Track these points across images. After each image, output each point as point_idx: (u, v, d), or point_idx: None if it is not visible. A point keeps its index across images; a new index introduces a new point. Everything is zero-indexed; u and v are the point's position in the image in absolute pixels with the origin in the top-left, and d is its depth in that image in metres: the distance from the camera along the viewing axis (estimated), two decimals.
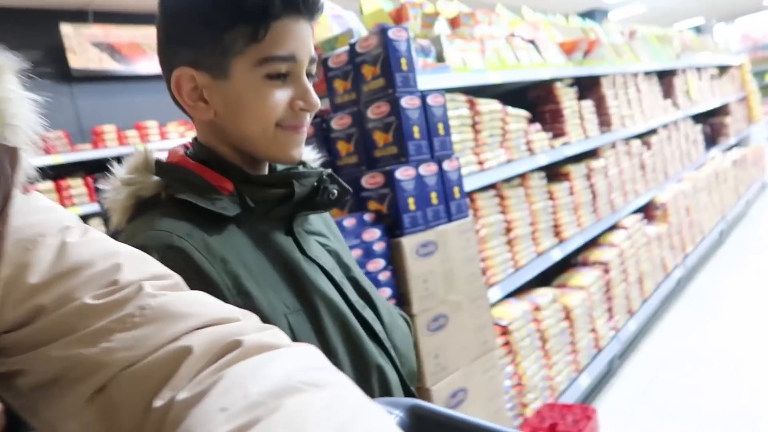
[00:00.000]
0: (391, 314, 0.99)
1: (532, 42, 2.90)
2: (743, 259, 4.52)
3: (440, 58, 2.23)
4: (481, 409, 1.62)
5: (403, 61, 1.51)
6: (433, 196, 1.54)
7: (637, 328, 3.26)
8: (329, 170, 0.91)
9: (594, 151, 3.18)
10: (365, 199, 1.53)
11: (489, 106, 2.36)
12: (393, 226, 1.49)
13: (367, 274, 1.43)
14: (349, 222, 1.44)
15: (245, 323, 0.52)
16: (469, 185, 2.17)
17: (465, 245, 1.61)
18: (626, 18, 12.09)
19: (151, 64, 5.95)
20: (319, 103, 0.83)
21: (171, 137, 5.99)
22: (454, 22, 2.66)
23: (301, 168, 0.90)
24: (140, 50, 5.94)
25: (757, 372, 2.70)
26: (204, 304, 0.52)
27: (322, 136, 1.68)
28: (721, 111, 5.72)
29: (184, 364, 0.45)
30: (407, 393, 0.96)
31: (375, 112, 1.52)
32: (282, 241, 0.85)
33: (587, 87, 3.22)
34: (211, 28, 0.77)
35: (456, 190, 1.61)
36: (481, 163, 2.28)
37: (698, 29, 14.87)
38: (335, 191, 0.89)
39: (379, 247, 1.45)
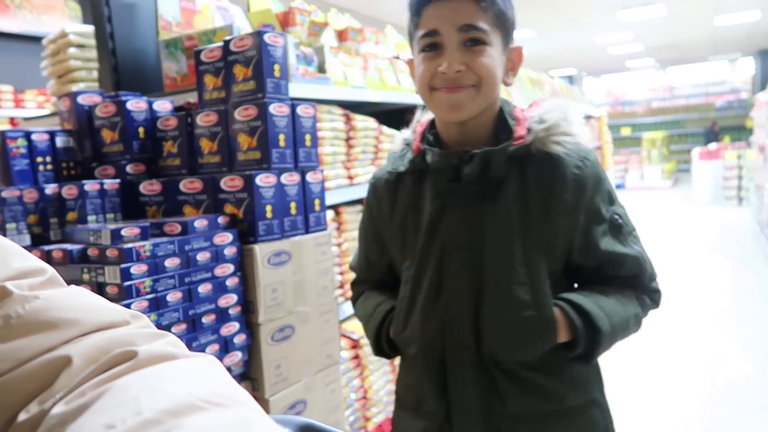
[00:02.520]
0: (512, 296, 1.03)
1: None
2: None
3: (322, 69, 2.24)
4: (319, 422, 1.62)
5: (277, 67, 1.50)
6: (293, 206, 1.53)
7: None
8: (485, 149, 1.04)
9: None
10: (222, 202, 1.49)
11: (365, 123, 2.40)
12: (247, 232, 1.46)
13: (214, 278, 1.38)
14: (201, 223, 1.39)
15: (136, 328, 0.45)
16: (336, 198, 2.19)
17: (320, 258, 1.62)
18: None
19: (9, 22, 5.38)
20: (451, 66, 0.99)
21: (28, 105, 5.43)
22: (341, 35, 2.69)
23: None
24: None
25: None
26: (85, 306, 0.44)
27: (185, 132, 1.61)
28: None
29: (61, 376, 0.39)
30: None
31: (242, 114, 1.49)
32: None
33: None
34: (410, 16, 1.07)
35: (317, 202, 1.62)
36: (351, 177, 2.31)
37: (570, 79, 16.28)
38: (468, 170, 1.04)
39: (229, 251, 1.41)
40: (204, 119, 1.57)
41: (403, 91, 2.69)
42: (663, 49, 13.89)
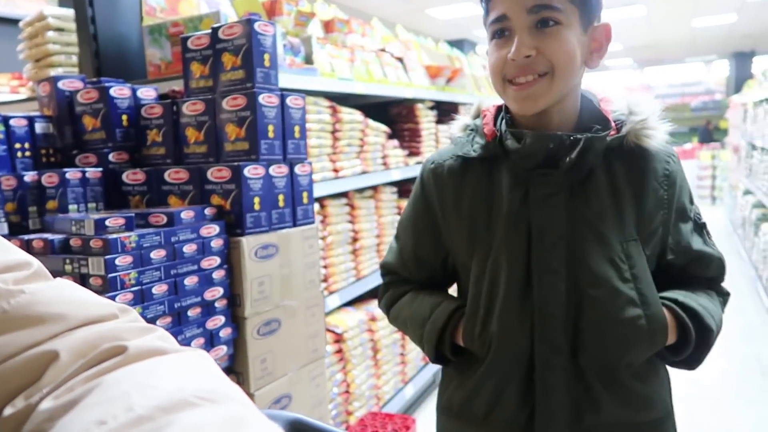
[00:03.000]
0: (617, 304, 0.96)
1: (400, 60, 2.99)
2: None
3: (309, 60, 2.21)
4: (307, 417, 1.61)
5: (267, 56, 1.47)
6: (281, 198, 1.51)
7: None
8: (574, 136, 0.96)
9: None
10: (209, 193, 1.46)
11: (351, 115, 2.38)
12: (234, 225, 1.43)
13: (201, 271, 1.36)
14: (188, 214, 1.36)
15: (124, 322, 0.44)
16: (321, 191, 2.17)
17: (307, 251, 1.60)
18: None
19: None
20: (519, 52, 0.92)
21: (1, 90, 5.28)
22: (328, 26, 2.66)
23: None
24: None
25: None
26: (73, 300, 0.43)
27: (171, 120, 1.57)
28: None
29: (48, 371, 0.38)
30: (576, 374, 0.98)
31: (230, 103, 1.46)
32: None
33: (446, 112, 3.38)
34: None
35: (305, 195, 1.59)
36: (336, 170, 2.29)
37: None
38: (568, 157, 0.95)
39: (216, 244, 1.39)
40: (190, 108, 1.53)
41: (390, 84, 2.67)
42: (641, 49, 14.06)
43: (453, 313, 1.07)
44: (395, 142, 2.79)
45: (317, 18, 2.60)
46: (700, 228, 1.06)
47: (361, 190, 2.57)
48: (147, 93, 1.68)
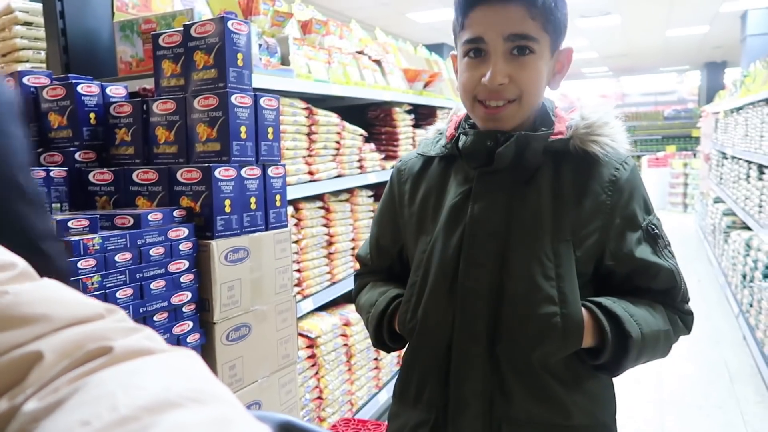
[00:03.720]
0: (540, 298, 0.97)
1: (378, 63, 2.98)
2: None
3: (285, 61, 2.18)
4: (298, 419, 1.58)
5: (240, 56, 1.44)
6: (252, 201, 1.48)
7: None
8: (520, 133, 0.99)
9: None
10: (178, 194, 1.42)
11: (328, 118, 2.36)
12: (204, 227, 1.40)
13: (168, 275, 1.32)
14: (155, 216, 1.32)
15: (111, 322, 0.43)
16: (296, 193, 2.14)
17: (279, 255, 1.57)
18: None
19: None
20: (494, 79, 0.95)
21: None
22: (305, 27, 2.63)
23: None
24: None
25: None
26: (58, 300, 0.42)
27: (140, 119, 1.53)
28: None
29: (32, 372, 0.37)
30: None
31: (202, 103, 1.43)
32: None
33: (424, 116, 3.38)
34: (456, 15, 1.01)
35: (278, 198, 1.57)
36: (311, 173, 2.26)
37: None
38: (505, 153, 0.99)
39: (185, 247, 1.35)
40: (161, 107, 1.49)
41: (367, 87, 2.65)
42: (616, 58, 14.29)
43: (394, 299, 1.13)
44: (372, 145, 2.78)
45: (295, 18, 2.57)
46: (653, 238, 1.04)
47: (336, 193, 2.55)
48: (116, 91, 1.63)
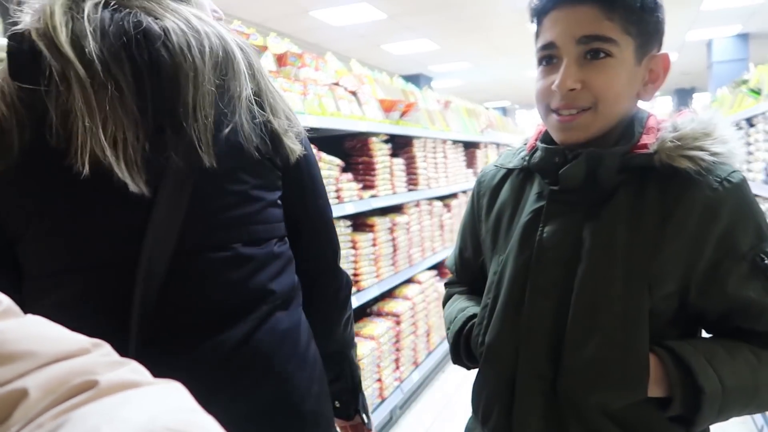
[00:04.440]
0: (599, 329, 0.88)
1: (354, 94, 3.00)
2: None
3: None
4: None
5: None
6: None
7: (421, 378, 3.43)
8: (589, 150, 0.90)
9: (400, 206, 3.34)
10: None
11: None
12: None
13: None
14: None
15: (97, 356, 0.43)
16: None
17: None
18: (445, 88, 13.27)
19: None
20: (564, 84, 0.88)
21: None
22: (280, 60, 2.65)
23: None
24: None
25: None
26: (43, 336, 0.43)
27: None
28: None
29: (17, 410, 0.37)
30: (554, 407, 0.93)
31: None
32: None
33: (400, 146, 3.41)
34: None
35: None
36: None
37: (503, 110, 16.83)
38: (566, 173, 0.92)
39: None
40: None
41: (343, 117, 2.67)
42: None
43: (470, 319, 1.08)
44: (349, 175, 2.78)
45: (270, 51, 2.59)
46: (761, 271, 0.86)
47: None
48: None
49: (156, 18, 0.81)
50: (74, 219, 0.82)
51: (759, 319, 0.86)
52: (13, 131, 0.80)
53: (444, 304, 1.25)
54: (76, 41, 0.77)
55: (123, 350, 0.53)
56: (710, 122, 0.89)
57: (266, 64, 2.46)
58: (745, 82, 4.15)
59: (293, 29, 8.02)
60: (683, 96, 14.75)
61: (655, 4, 0.89)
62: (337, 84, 2.93)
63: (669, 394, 0.86)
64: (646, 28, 0.89)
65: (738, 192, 0.86)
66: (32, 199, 0.82)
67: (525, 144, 1.10)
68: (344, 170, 2.75)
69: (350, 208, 2.66)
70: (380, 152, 3.02)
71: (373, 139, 2.99)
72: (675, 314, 0.91)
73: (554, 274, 0.93)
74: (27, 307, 0.48)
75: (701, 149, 0.86)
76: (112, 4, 0.81)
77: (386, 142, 3.12)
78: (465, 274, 1.22)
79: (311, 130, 2.28)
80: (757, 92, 3.53)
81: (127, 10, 0.80)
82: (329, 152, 2.61)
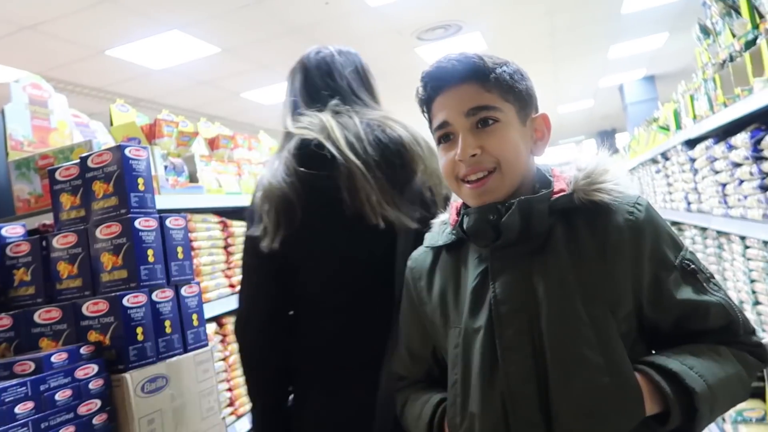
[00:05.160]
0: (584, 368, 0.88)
1: None
2: None
3: (193, 178, 2.19)
4: None
5: (141, 180, 1.44)
6: (167, 324, 1.42)
7: None
8: (517, 200, 0.96)
9: None
10: (85, 329, 1.35)
11: (243, 228, 2.34)
12: (116, 360, 1.32)
13: (77, 419, 1.22)
14: (59, 357, 1.24)
15: None
16: (219, 309, 2.08)
17: (202, 377, 1.49)
18: None
19: None
20: (465, 152, 0.97)
21: None
22: (212, 143, 2.67)
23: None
24: None
25: None
26: None
27: (40, 256, 1.47)
28: None
29: None
30: None
31: (105, 232, 1.39)
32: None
33: None
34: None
35: (194, 317, 1.52)
36: (233, 285, 2.22)
37: None
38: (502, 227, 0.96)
39: (95, 385, 1.26)
40: (61, 241, 1.45)
41: None
42: None
43: (438, 405, 1.05)
44: None
45: (201, 136, 2.61)
46: (691, 275, 0.95)
47: None
48: (13, 230, 1.57)
49: (389, 128, 1.37)
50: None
51: (707, 317, 0.94)
52: (296, 205, 1.31)
53: (400, 414, 1.18)
54: (352, 145, 1.31)
55: None
56: (604, 161, 1.02)
57: (198, 149, 2.48)
58: (656, 120, 4.46)
59: (226, 112, 8.12)
60: (606, 137, 15.60)
61: (522, 76, 1.03)
62: None
63: (664, 408, 0.88)
64: (520, 94, 1.02)
65: (650, 213, 0.97)
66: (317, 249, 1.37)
67: (445, 223, 1.14)
68: None
69: None
70: None
71: None
72: (637, 333, 0.97)
73: (519, 325, 0.94)
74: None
75: (607, 182, 0.98)
76: (364, 120, 1.37)
77: None
78: (417, 367, 1.18)
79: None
80: (666, 128, 3.80)
81: (376, 123, 1.37)
82: None
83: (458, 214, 1.09)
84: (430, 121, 1.06)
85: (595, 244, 0.95)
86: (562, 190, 0.98)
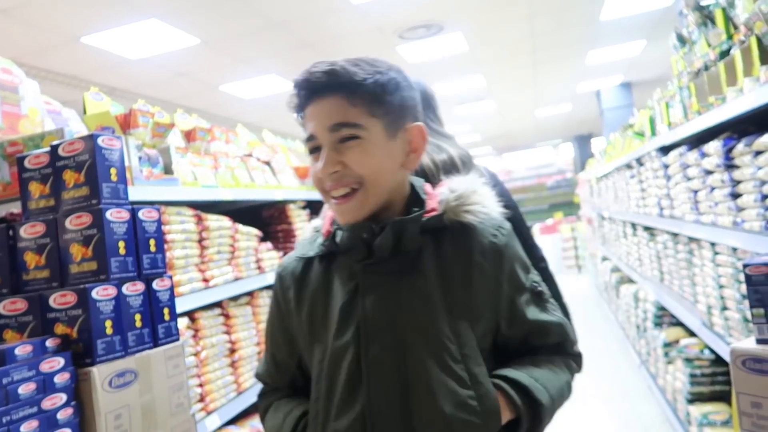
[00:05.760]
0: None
1: (268, 164, 3.01)
2: None
3: (168, 170, 2.15)
4: None
5: (113, 171, 1.41)
6: (137, 318, 1.40)
7: None
8: (394, 219, 0.99)
9: None
10: (52, 322, 1.31)
11: (219, 222, 2.32)
12: (83, 354, 1.29)
13: (42, 413, 1.19)
14: (23, 349, 1.20)
15: None
16: (191, 303, 2.05)
17: (172, 372, 1.47)
18: None
19: None
20: (325, 169, 0.97)
21: None
22: (189, 135, 2.63)
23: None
24: None
25: None
26: None
27: (6, 246, 1.43)
28: None
29: None
30: None
31: (75, 222, 1.36)
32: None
33: (319, 210, 3.41)
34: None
35: (166, 311, 1.49)
36: (206, 279, 2.19)
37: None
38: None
39: (61, 378, 1.23)
40: (29, 231, 1.41)
41: (257, 188, 2.67)
42: (497, 138, 15.44)
43: (300, 419, 1.05)
44: (269, 244, 2.75)
45: (177, 128, 2.57)
46: (538, 296, 1.06)
47: (235, 298, 2.47)
48: None
49: None
50: None
51: (548, 335, 1.06)
52: None
53: (262, 418, 1.19)
54: None
55: None
56: (474, 183, 1.08)
57: (174, 140, 2.44)
58: (631, 126, 4.53)
59: (204, 105, 8.02)
60: (582, 142, 15.81)
61: (398, 86, 1.01)
62: (249, 155, 2.94)
63: (515, 416, 0.97)
64: (391, 107, 1.00)
65: (511, 238, 1.06)
66: None
67: (317, 231, 1.15)
68: (263, 239, 2.73)
69: (272, 278, 2.62)
70: (299, 219, 3.02)
71: (291, 206, 2.99)
72: (489, 350, 1.04)
73: (384, 340, 0.97)
74: None
75: (476, 204, 1.04)
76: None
77: (304, 208, 3.13)
78: (281, 375, 1.19)
79: (226, 202, 2.26)
80: (641, 135, 3.86)
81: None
82: (246, 223, 2.58)
83: (332, 224, 1.10)
84: (305, 129, 1.05)
85: (461, 264, 1.01)
86: (433, 210, 1.04)
